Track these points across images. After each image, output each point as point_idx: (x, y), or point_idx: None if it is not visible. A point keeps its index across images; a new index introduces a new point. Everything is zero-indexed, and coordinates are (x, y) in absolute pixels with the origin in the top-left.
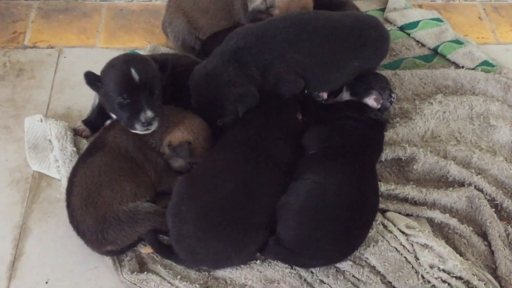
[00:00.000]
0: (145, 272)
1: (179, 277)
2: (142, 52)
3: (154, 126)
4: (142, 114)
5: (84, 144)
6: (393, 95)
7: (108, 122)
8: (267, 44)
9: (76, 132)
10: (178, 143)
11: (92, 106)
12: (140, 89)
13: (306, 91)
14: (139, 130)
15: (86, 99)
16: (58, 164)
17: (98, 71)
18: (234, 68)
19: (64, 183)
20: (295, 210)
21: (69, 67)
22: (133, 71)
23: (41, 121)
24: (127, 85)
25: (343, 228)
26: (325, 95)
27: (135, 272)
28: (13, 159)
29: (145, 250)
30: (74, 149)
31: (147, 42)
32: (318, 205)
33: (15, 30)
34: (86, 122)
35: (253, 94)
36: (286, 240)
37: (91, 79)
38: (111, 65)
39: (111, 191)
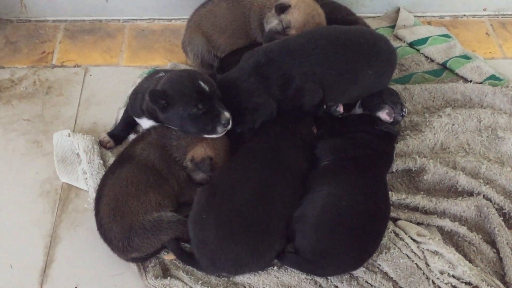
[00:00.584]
0: (168, 278)
1: (200, 282)
2: None
3: (230, 126)
4: (222, 116)
5: (110, 157)
6: (404, 109)
7: (132, 135)
8: (286, 59)
9: (101, 144)
10: (200, 158)
11: (116, 120)
12: (211, 97)
13: (324, 106)
14: (219, 132)
15: (111, 115)
16: (86, 176)
17: (122, 88)
18: (255, 80)
19: (91, 194)
20: (311, 222)
21: (95, 84)
22: (201, 83)
23: (69, 136)
24: (201, 96)
25: (358, 237)
26: (341, 109)
27: (159, 278)
28: (43, 171)
29: (168, 257)
30: (101, 161)
31: (168, 60)
32: (333, 216)
33: (44, 51)
34: (110, 134)
35: (269, 105)
36: (303, 250)
37: (157, 96)
38: (178, 82)
39: (137, 201)
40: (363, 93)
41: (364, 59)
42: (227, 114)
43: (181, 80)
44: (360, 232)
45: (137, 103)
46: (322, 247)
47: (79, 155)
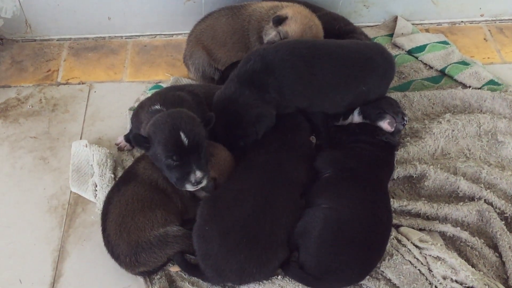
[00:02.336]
0: None
1: None
2: (164, 84)
3: (203, 184)
4: (192, 175)
5: (120, 171)
6: (405, 118)
7: None
8: (282, 63)
9: (118, 148)
10: None
11: (130, 124)
12: (189, 151)
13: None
14: (189, 189)
15: (115, 130)
16: (96, 188)
17: (126, 104)
18: (250, 91)
19: (99, 206)
20: (314, 238)
21: (99, 100)
22: (182, 134)
23: (86, 146)
24: (176, 148)
25: (362, 250)
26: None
27: None
28: (50, 187)
29: (174, 268)
30: (112, 175)
31: (170, 75)
32: (336, 232)
33: (49, 69)
34: (126, 138)
35: (270, 114)
36: (308, 267)
37: (139, 141)
38: (160, 127)
39: (143, 217)
40: (357, 103)
41: (358, 75)
42: (199, 174)
43: (163, 128)
44: (364, 245)
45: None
46: (326, 264)
47: (93, 167)
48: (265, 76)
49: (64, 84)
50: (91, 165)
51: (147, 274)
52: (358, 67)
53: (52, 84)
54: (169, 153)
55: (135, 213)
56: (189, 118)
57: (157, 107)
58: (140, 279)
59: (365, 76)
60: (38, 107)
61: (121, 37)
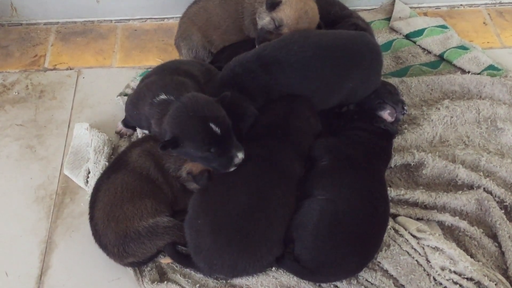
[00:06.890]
0: (165, 282)
1: (197, 285)
2: None
3: (242, 159)
4: (235, 159)
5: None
6: (405, 108)
7: None
8: (261, 70)
9: (120, 135)
10: (199, 172)
11: (126, 108)
12: (223, 138)
13: None
14: (232, 169)
15: (105, 117)
16: (88, 175)
17: (115, 90)
18: (233, 92)
19: (90, 192)
20: (310, 230)
21: (88, 87)
22: (212, 126)
23: (87, 129)
24: (212, 141)
25: (359, 243)
26: None
27: (156, 282)
28: (37, 177)
29: (165, 260)
30: (107, 163)
31: (161, 60)
32: (332, 224)
33: (36, 54)
34: (125, 124)
35: (253, 113)
36: (304, 260)
37: (168, 146)
38: (187, 124)
39: (132, 207)
40: (346, 101)
41: (343, 74)
42: (240, 155)
43: (191, 125)
44: (361, 237)
45: (143, 123)
46: (322, 257)
47: (90, 152)
48: (245, 79)
49: (51, 69)
50: (89, 150)
51: (136, 265)
52: (343, 66)
53: (39, 69)
54: (206, 147)
55: (124, 202)
56: (210, 104)
57: (162, 96)
58: (130, 271)
59: (350, 73)
60: (25, 93)
61: (111, 21)
